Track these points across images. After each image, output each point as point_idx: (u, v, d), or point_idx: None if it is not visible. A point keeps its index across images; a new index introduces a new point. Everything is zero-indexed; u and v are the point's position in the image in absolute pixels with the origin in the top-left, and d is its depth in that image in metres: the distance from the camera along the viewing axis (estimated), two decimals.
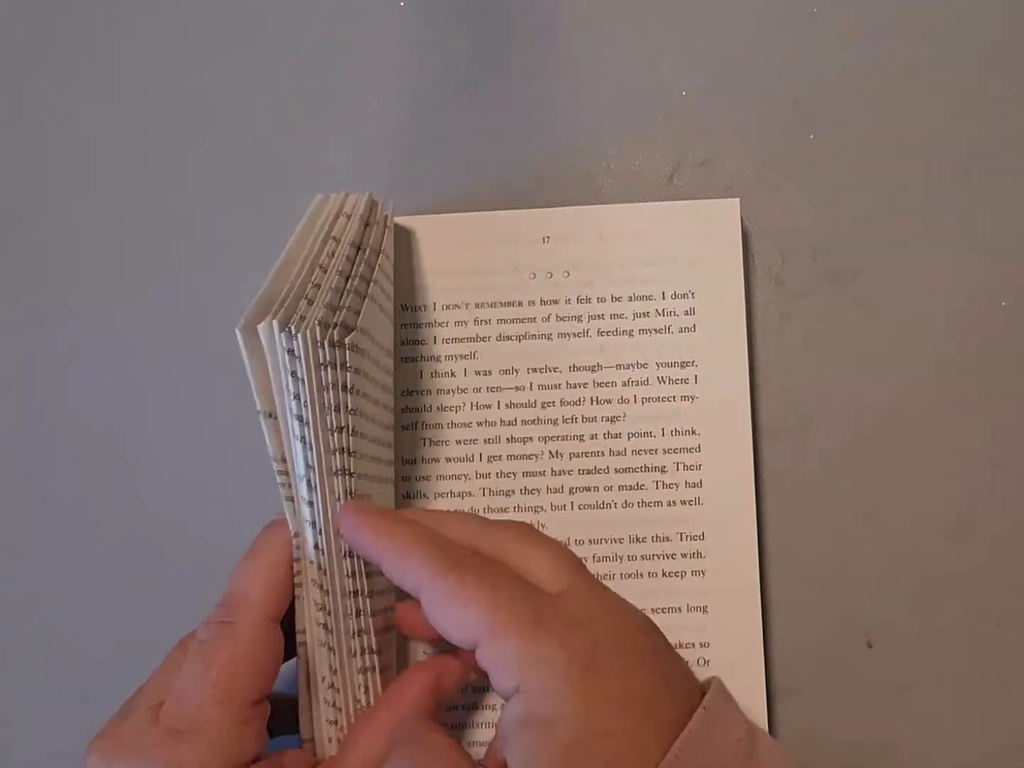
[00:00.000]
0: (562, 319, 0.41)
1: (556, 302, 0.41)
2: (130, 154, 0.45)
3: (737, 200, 0.40)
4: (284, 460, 0.33)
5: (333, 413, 0.32)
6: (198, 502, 0.42)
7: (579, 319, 0.41)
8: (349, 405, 0.32)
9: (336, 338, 0.32)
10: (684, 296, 0.40)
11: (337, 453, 0.32)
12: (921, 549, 0.40)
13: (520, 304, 0.41)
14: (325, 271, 0.34)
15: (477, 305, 0.41)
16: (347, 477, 0.33)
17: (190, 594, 0.42)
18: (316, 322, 0.31)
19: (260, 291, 0.32)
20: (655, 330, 0.40)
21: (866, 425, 0.41)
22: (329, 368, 0.32)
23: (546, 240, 0.41)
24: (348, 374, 0.32)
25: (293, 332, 0.31)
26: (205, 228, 0.44)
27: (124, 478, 0.43)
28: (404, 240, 0.41)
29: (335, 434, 0.32)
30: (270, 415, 0.33)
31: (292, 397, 0.31)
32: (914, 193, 0.42)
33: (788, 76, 0.43)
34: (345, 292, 0.34)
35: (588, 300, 0.41)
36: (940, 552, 0.40)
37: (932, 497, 0.40)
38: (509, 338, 0.41)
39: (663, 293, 0.40)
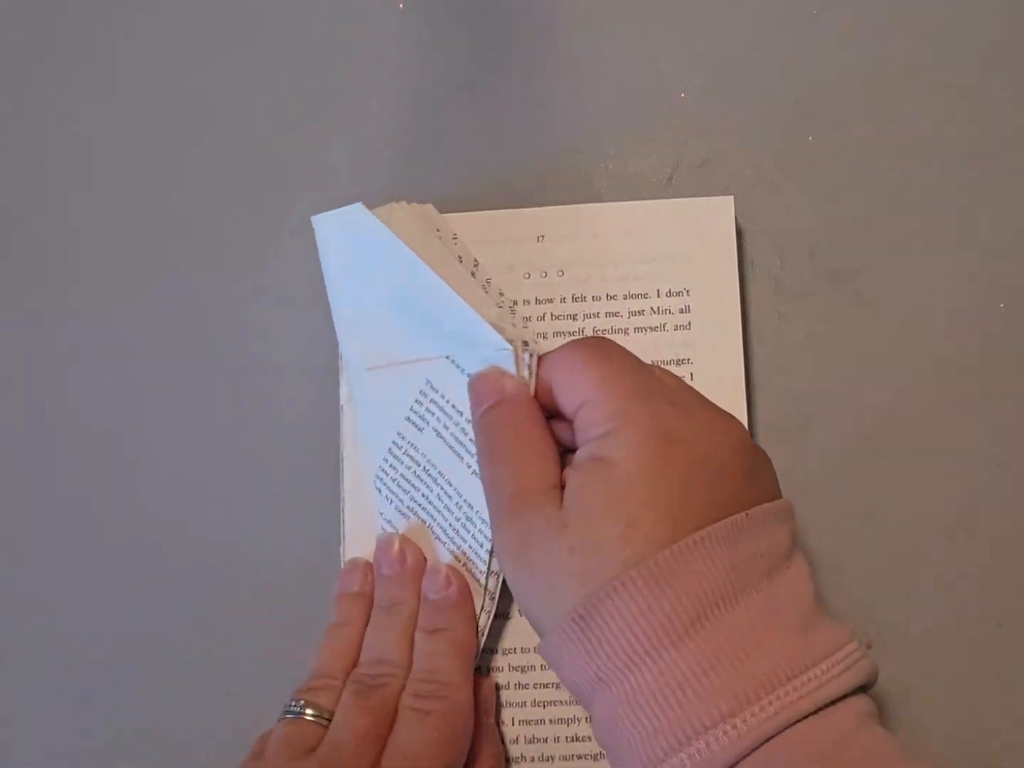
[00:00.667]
0: (557, 318, 0.41)
1: (551, 301, 0.41)
2: (130, 154, 0.45)
3: (731, 198, 0.40)
4: None
5: None
6: (198, 502, 0.42)
7: (574, 318, 0.41)
8: None
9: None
10: (679, 294, 0.40)
11: None
12: (921, 549, 0.40)
13: (515, 303, 0.41)
14: (487, 292, 0.38)
15: None
16: None
17: (190, 594, 0.42)
18: (534, 339, 0.36)
19: (474, 317, 0.35)
20: (651, 328, 0.40)
21: (866, 425, 0.41)
22: None
23: (540, 239, 0.41)
24: None
25: (533, 351, 0.35)
26: (205, 228, 0.44)
27: (124, 478, 0.43)
28: None
29: None
30: None
31: None
32: (914, 193, 0.42)
33: (788, 76, 0.43)
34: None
35: (583, 299, 0.41)
36: (940, 552, 0.40)
37: (932, 497, 0.40)
38: None
39: (658, 291, 0.40)
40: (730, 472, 0.31)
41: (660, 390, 0.32)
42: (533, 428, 0.33)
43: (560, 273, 0.41)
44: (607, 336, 0.40)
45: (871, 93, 0.43)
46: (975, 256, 0.42)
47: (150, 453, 0.43)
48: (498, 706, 0.38)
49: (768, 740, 0.26)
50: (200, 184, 0.44)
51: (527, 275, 0.41)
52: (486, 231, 0.41)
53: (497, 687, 0.38)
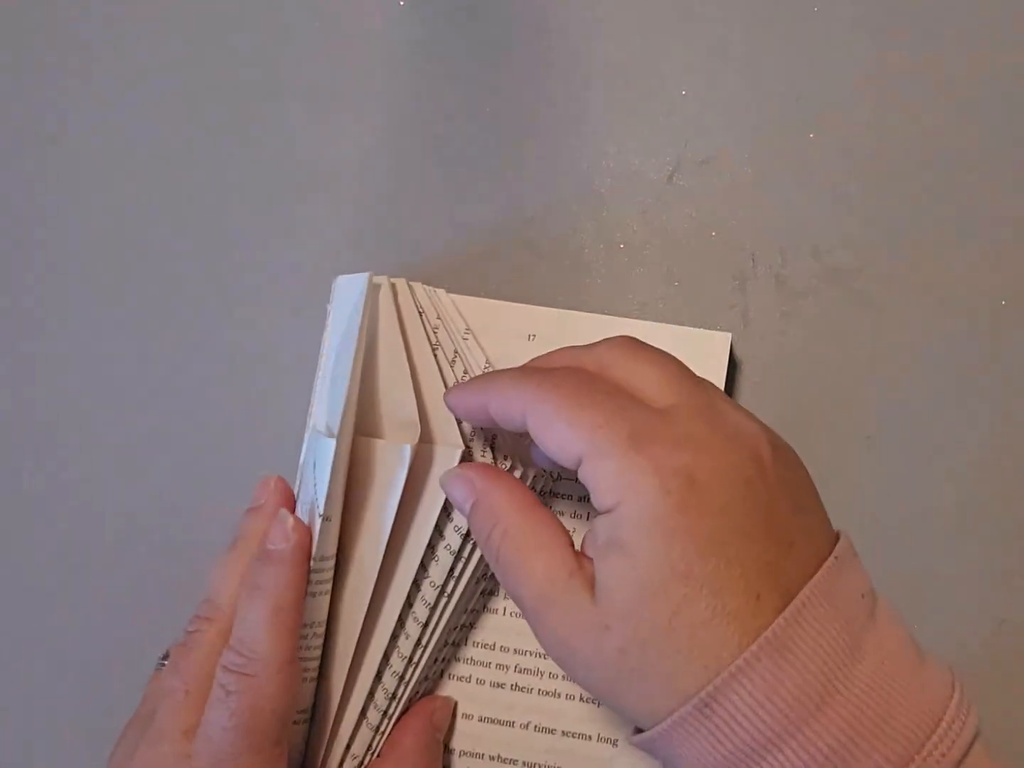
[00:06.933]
0: None
1: None
2: (130, 154, 0.45)
3: (729, 335, 0.39)
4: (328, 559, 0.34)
5: None
6: (198, 502, 0.42)
7: None
8: None
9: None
10: None
11: None
12: (921, 549, 0.40)
13: None
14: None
15: None
16: None
17: (190, 594, 0.42)
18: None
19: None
20: None
21: (866, 425, 0.41)
22: None
23: (531, 338, 0.39)
24: None
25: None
26: (206, 229, 0.44)
27: (125, 478, 0.43)
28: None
29: None
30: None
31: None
32: (914, 193, 0.42)
33: (788, 74, 0.43)
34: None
35: None
36: (940, 552, 0.40)
37: (932, 497, 0.40)
38: None
39: None
40: (758, 493, 0.27)
41: (657, 428, 0.28)
42: (519, 521, 0.30)
43: None
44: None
45: (871, 93, 0.43)
46: (975, 256, 0.41)
47: (150, 453, 0.43)
48: (468, 703, 0.38)
49: None
50: (200, 184, 0.44)
51: None
52: (479, 318, 0.39)
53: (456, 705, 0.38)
